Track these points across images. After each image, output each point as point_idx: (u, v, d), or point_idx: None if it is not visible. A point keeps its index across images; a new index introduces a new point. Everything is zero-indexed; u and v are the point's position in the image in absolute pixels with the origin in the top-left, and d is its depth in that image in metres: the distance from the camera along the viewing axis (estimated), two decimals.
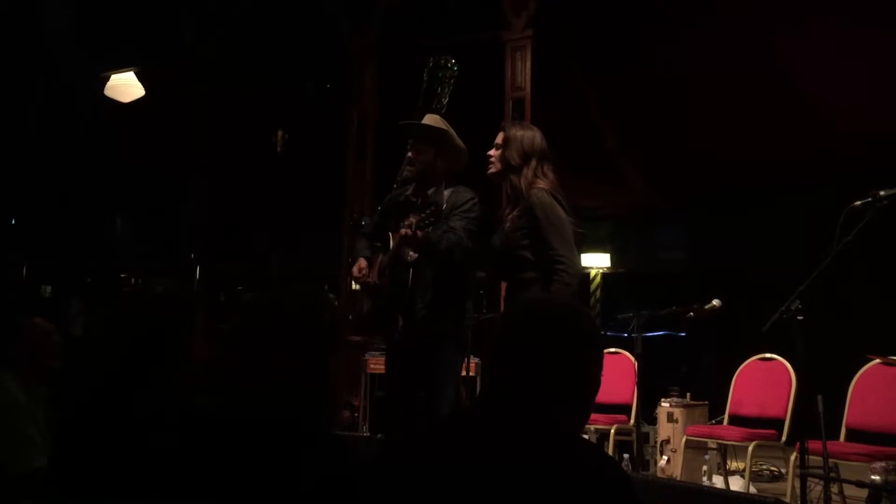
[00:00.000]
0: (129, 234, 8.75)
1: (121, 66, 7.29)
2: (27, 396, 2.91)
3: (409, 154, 3.84)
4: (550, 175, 3.50)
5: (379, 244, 3.89)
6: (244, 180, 8.00)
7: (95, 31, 7.13)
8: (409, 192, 3.90)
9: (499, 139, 3.58)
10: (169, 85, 7.80)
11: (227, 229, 8.60)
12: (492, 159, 3.57)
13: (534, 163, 3.47)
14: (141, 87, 7.38)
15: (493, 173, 3.58)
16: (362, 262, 3.86)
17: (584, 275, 3.47)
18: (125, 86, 7.38)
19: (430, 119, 3.89)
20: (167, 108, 7.92)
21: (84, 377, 2.03)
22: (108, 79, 7.34)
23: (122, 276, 8.17)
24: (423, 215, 3.52)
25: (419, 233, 3.46)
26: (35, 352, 3.06)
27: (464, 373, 3.79)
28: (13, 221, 7.85)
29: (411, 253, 3.66)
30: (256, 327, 1.61)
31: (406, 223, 3.54)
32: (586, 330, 1.56)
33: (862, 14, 6.07)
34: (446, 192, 3.76)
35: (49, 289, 7.96)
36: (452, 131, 3.81)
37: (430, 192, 3.76)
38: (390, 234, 3.77)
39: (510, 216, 3.50)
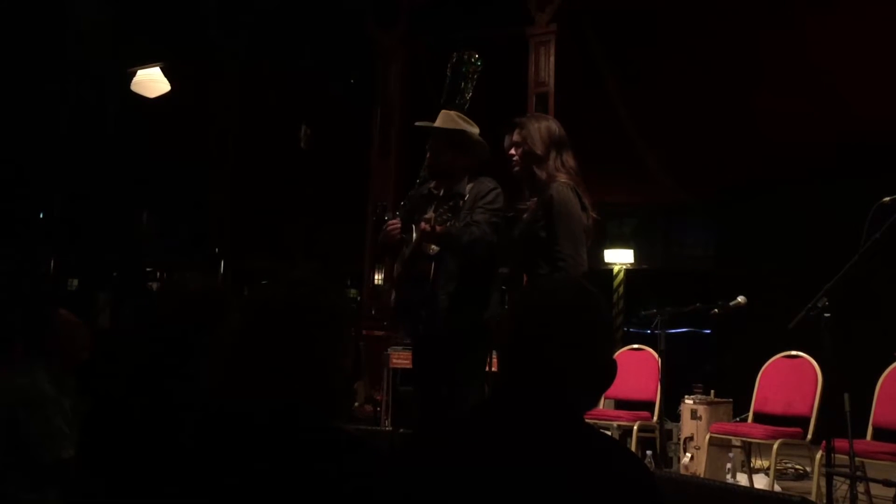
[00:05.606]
0: (155, 227, 8.82)
1: (147, 62, 7.35)
2: (56, 388, 2.95)
3: (427, 156, 3.78)
4: (570, 162, 3.49)
5: (405, 236, 3.86)
6: (269, 175, 8.05)
7: (122, 27, 7.19)
8: (431, 185, 3.87)
9: (516, 136, 3.54)
10: (194, 80, 7.86)
11: (252, 223, 8.66)
12: (515, 157, 3.53)
13: (554, 152, 3.46)
14: (167, 82, 7.44)
15: (519, 171, 3.54)
16: (396, 221, 3.81)
17: (587, 271, 3.47)
18: (151, 81, 7.44)
19: (445, 117, 3.78)
20: (193, 103, 7.98)
21: (113, 369, 2.05)
22: (134, 74, 7.41)
23: (148, 269, 8.26)
24: (442, 209, 3.48)
25: (438, 227, 3.42)
26: (64, 344, 3.10)
27: (487, 368, 3.75)
28: (41, 215, 7.94)
29: (433, 246, 3.62)
30: (251, 322, 1.61)
31: (425, 217, 3.51)
32: (599, 311, 1.54)
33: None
34: (469, 185, 3.73)
35: (76, 282, 8.06)
36: (469, 126, 3.74)
37: (453, 187, 3.70)
38: (413, 226, 3.73)
39: (531, 208, 3.48)
